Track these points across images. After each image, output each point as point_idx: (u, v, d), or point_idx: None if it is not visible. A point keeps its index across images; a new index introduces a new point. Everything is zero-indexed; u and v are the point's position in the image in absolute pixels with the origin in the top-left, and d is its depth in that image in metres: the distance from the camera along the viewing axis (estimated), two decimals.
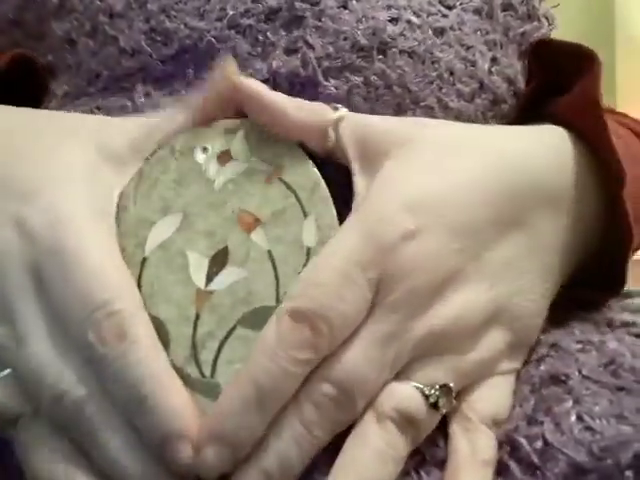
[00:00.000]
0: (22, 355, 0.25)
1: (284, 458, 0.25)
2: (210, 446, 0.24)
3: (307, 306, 0.25)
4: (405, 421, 0.26)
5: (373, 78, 0.33)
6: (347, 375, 0.25)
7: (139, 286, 0.28)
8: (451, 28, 0.35)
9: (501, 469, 0.26)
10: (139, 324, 0.26)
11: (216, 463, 0.25)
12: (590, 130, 0.34)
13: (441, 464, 0.27)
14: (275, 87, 0.32)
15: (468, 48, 0.36)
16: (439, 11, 0.36)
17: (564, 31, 0.43)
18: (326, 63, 0.33)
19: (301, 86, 0.32)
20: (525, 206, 0.30)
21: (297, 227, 0.29)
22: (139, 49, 0.35)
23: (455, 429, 0.27)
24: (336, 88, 0.32)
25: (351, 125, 0.30)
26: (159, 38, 0.34)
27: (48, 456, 0.26)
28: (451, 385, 0.27)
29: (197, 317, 0.28)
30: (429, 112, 0.34)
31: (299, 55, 0.33)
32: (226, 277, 0.28)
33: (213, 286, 0.28)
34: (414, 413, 0.26)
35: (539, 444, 0.26)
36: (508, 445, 0.27)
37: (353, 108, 0.32)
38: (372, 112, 0.32)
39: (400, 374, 0.27)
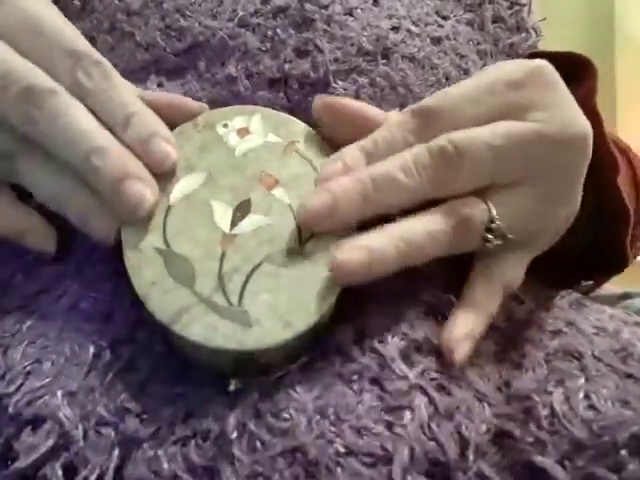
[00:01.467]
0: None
1: (386, 179, 0.29)
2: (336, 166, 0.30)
3: (426, 105, 0.30)
4: (460, 220, 0.30)
5: (378, 79, 0.35)
6: (467, 142, 0.29)
7: (163, 229, 0.29)
8: (447, 37, 0.38)
9: (517, 422, 0.27)
10: (116, 72, 0.30)
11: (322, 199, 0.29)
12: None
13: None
14: (286, 87, 0.34)
15: (462, 57, 0.38)
16: (435, 21, 0.38)
17: (564, 31, 0.45)
18: (334, 66, 0.35)
19: (311, 86, 0.35)
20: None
21: (315, 190, 0.31)
22: (154, 44, 0.37)
23: (478, 280, 0.32)
24: (345, 89, 0.35)
25: None
26: (173, 34, 0.36)
27: (50, 177, 0.29)
28: (510, 236, 0.31)
29: (223, 255, 0.29)
30: None
31: (309, 58, 0.35)
32: (250, 223, 0.30)
33: (237, 230, 0.30)
34: (474, 222, 0.30)
35: (546, 411, 0.27)
36: (525, 408, 0.28)
37: None
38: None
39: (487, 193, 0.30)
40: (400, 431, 0.26)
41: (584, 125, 0.31)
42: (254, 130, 0.33)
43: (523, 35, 0.42)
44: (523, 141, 0.30)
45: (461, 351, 0.29)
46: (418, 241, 0.29)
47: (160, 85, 0.36)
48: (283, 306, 0.28)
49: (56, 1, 0.39)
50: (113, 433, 0.26)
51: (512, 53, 0.42)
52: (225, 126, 0.32)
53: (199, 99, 0.34)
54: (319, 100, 0.32)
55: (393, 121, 0.31)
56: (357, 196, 0.29)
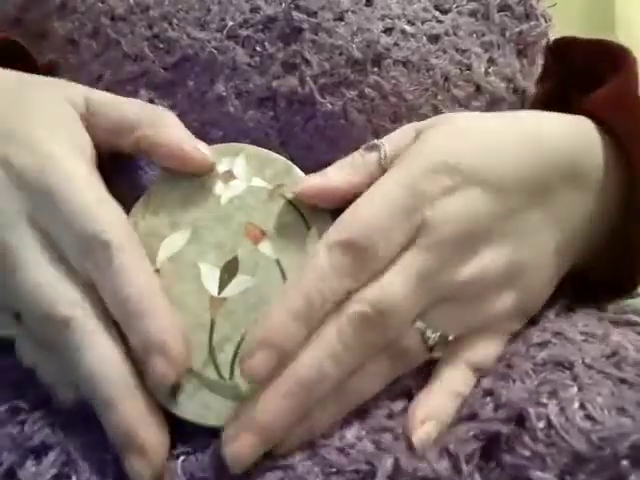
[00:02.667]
0: (18, 279, 0.28)
1: (319, 368, 0.27)
2: (260, 351, 0.27)
3: (356, 238, 0.28)
4: (398, 352, 0.29)
5: (367, 91, 0.34)
6: (383, 297, 0.28)
7: None
8: (446, 34, 0.36)
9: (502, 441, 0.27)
10: (126, 251, 0.28)
11: (264, 367, 0.27)
12: (623, 126, 0.34)
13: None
14: (275, 105, 0.33)
15: (463, 52, 0.36)
16: (434, 17, 0.36)
17: (564, 31, 0.43)
18: (322, 80, 0.34)
19: (299, 103, 0.34)
20: (552, 181, 0.32)
21: (301, 238, 0.31)
22: (142, 55, 0.35)
23: (442, 362, 0.30)
24: (332, 104, 0.33)
25: (395, 144, 0.31)
26: (161, 45, 0.35)
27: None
28: (450, 338, 0.30)
29: (212, 323, 0.29)
30: (424, 119, 0.34)
31: (297, 73, 0.34)
32: (238, 285, 0.30)
33: (226, 293, 0.30)
34: (410, 349, 0.29)
35: (542, 424, 0.26)
36: (517, 419, 0.27)
37: (349, 121, 0.34)
38: (368, 123, 0.34)
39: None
40: (385, 447, 0.27)
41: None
42: (238, 174, 0.32)
43: (533, 23, 0.39)
44: (437, 271, 0.29)
45: (421, 433, 0.28)
46: (366, 396, 0.29)
47: (151, 101, 0.35)
48: None
49: None
50: (117, 465, 0.27)
51: (521, 42, 0.39)
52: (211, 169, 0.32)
53: (190, 122, 0.33)
54: (302, 192, 0.31)
55: (325, 262, 0.28)
56: (289, 416, 0.27)
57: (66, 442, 0.27)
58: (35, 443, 0.27)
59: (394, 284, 0.28)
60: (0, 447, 0.27)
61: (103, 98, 0.32)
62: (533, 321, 0.34)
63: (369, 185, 0.30)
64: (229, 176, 0.32)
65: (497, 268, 0.30)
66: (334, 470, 0.26)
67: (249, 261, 0.30)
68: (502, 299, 0.31)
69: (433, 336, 0.29)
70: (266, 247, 0.30)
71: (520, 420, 0.27)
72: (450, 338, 0.30)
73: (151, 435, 0.26)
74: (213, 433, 0.28)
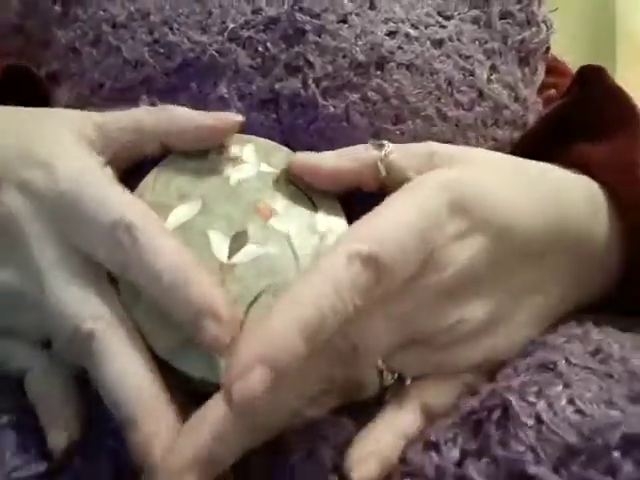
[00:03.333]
0: (46, 302, 0.28)
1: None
2: (258, 368, 0.24)
3: (380, 254, 0.26)
4: (351, 386, 0.29)
5: (370, 94, 0.34)
6: (357, 331, 0.27)
7: None
8: (449, 39, 0.36)
9: (491, 434, 0.27)
10: (150, 228, 0.28)
11: (259, 386, 0.24)
12: (625, 193, 0.34)
13: None
14: (277, 107, 0.33)
15: (467, 58, 0.36)
16: (437, 22, 0.36)
17: (564, 31, 0.43)
18: (325, 83, 0.33)
19: (302, 106, 0.33)
20: (555, 246, 0.32)
21: (309, 217, 0.31)
22: (142, 61, 0.35)
23: (392, 400, 0.29)
24: (334, 107, 0.33)
25: (403, 154, 0.31)
26: (162, 50, 0.35)
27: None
28: (408, 382, 0.29)
29: (222, 285, 0.29)
30: (428, 122, 0.35)
31: (300, 75, 0.33)
32: (248, 253, 0.30)
33: (235, 260, 0.29)
34: (363, 385, 0.29)
35: (531, 421, 0.26)
36: (499, 409, 0.27)
37: (351, 124, 0.33)
38: (370, 126, 0.34)
39: None
40: None
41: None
42: (247, 159, 0.32)
43: (534, 30, 0.40)
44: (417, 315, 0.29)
45: (363, 470, 0.27)
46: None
47: (153, 105, 0.35)
48: None
49: (35, 6, 0.38)
50: None
51: (523, 49, 0.39)
52: (219, 154, 0.32)
53: None
54: (292, 164, 0.31)
55: (343, 279, 0.26)
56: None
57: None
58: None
59: (377, 320, 0.28)
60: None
61: (111, 118, 0.33)
62: None
63: (359, 177, 0.31)
64: (238, 161, 0.32)
65: (477, 319, 0.30)
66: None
67: (259, 234, 0.30)
68: (473, 351, 0.30)
69: (389, 378, 0.29)
70: (276, 223, 0.31)
71: (505, 409, 0.27)
72: (407, 382, 0.29)
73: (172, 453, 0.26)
74: None
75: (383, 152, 0.31)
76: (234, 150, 0.32)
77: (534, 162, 0.34)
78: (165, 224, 0.30)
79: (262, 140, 0.33)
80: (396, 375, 0.29)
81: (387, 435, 0.28)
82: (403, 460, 0.27)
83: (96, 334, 0.27)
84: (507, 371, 0.30)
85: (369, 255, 0.26)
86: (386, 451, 0.27)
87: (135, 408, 0.26)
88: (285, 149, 0.33)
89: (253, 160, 0.32)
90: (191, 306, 0.26)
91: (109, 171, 0.31)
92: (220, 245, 0.30)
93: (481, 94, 0.36)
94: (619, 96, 0.39)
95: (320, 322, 0.25)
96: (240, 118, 0.32)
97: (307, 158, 0.32)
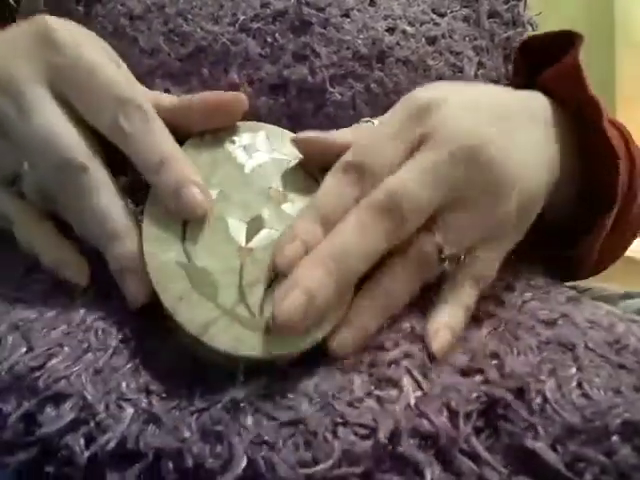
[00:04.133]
0: (34, 125, 0.30)
1: (344, 246, 0.29)
2: (289, 244, 0.30)
3: (352, 159, 0.31)
4: (419, 257, 0.31)
5: (373, 86, 0.36)
6: (399, 187, 0.30)
7: (183, 243, 0.31)
8: (442, 36, 0.39)
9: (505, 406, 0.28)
10: (157, 118, 0.31)
11: (295, 254, 0.30)
12: (567, 81, 0.38)
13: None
14: (286, 92, 0.36)
15: (457, 54, 0.39)
16: (431, 19, 0.39)
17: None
18: (331, 71, 0.36)
19: (308, 92, 0.36)
20: (513, 110, 0.35)
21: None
22: (158, 48, 0.38)
23: (447, 280, 0.33)
24: (341, 94, 0.36)
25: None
26: (176, 39, 0.38)
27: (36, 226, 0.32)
28: (462, 257, 0.32)
29: (241, 267, 0.30)
30: None
31: (307, 63, 0.36)
32: (263, 238, 0.31)
33: (253, 244, 0.31)
34: (428, 257, 0.31)
35: (539, 399, 0.27)
36: (513, 384, 0.28)
37: (357, 112, 0.36)
38: (373, 115, 0.36)
39: (431, 224, 0.31)
40: (388, 406, 0.28)
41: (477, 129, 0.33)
42: (260, 147, 0.34)
43: (519, 29, 0.43)
44: (446, 166, 0.31)
45: (439, 340, 0.30)
46: (399, 297, 0.31)
47: (167, 91, 0.37)
48: None
49: (59, 8, 0.40)
50: (133, 409, 0.28)
51: (508, 47, 0.43)
52: (232, 142, 0.34)
53: None
54: (303, 143, 0.33)
55: (331, 182, 0.31)
56: (328, 280, 0.29)
57: (82, 390, 0.28)
58: (52, 393, 0.28)
59: (409, 176, 0.30)
60: (18, 396, 0.28)
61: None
62: (542, 299, 0.35)
63: None
64: (252, 148, 0.34)
65: (496, 171, 0.32)
66: (342, 421, 0.27)
67: (273, 218, 0.32)
68: (504, 203, 0.33)
69: (447, 253, 0.31)
70: (288, 207, 0.32)
71: (520, 391, 0.28)
72: (461, 257, 0.32)
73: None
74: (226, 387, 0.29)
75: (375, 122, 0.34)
76: (246, 138, 0.34)
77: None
78: None
79: (273, 127, 0.35)
80: (453, 250, 0.31)
81: (452, 310, 0.32)
82: (421, 414, 0.28)
83: (89, 168, 0.30)
84: (530, 341, 0.31)
85: (343, 163, 0.31)
86: (454, 324, 0.31)
87: (122, 224, 0.30)
88: (294, 135, 0.34)
89: (265, 147, 0.34)
90: (174, 180, 0.30)
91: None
92: (238, 230, 0.31)
93: None
94: (557, 35, 0.42)
95: (323, 211, 0.30)
96: (244, 98, 0.33)
97: (314, 134, 0.33)
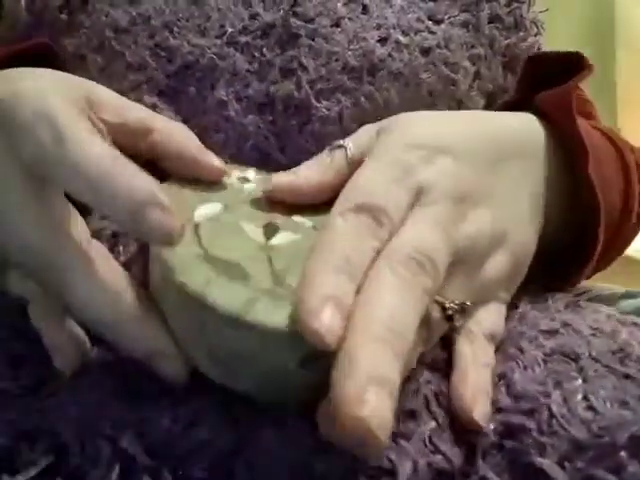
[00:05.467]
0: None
1: (392, 316, 0.25)
2: (325, 306, 0.24)
3: (365, 201, 0.28)
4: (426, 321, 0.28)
5: (362, 100, 0.35)
6: (422, 243, 0.27)
7: (198, 241, 0.28)
8: (437, 46, 0.37)
9: (512, 426, 0.27)
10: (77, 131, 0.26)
11: (335, 321, 0.24)
12: (557, 112, 0.36)
13: (441, 369, 0.30)
14: (273, 109, 0.35)
15: (452, 65, 0.37)
16: (427, 28, 0.37)
17: (564, 31, 0.44)
18: (319, 85, 0.35)
19: (295, 108, 0.35)
20: (504, 151, 0.33)
21: (327, 218, 0.30)
22: (144, 64, 0.37)
23: (460, 339, 0.31)
24: (327, 109, 0.35)
25: (357, 144, 0.32)
26: (163, 54, 0.36)
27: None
28: (468, 304, 0.30)
29: (269, 258, 0.28)
30: None
31: (294, 78, 0.35)
32: (283, 237, 0.29)
33: (274, 242, 0.29)
34: (433, 319, 0.29)
35: (545, 414, 0.27)
36: (526, 406, 0.28)
37: (344, 127, 0.35)
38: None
39: None
40: (404, 444, 0.27)
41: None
42: (253, 179, 0.34)
43: (521, 34, 0.41)
44: (450, 223, 0.29)
45: (479, 409, 0.28)
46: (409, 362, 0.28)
47: (154, 106, 0.36)
48: None
49: (42, 16, 0.39)
50: (111, 448, 0.26)
51: (508, 54, 0.41)
52: (226, 176, 0.33)
53: (192, 127, 0.33)
54: (273, 189, 0.31)
55: (343, 224, 0.27)
56: (391, 358, 0.24)
57: (57, 427, 0.27)
58: (26, 428, 0.27)
59: (424, 231, 0.28)
60: None
61: (111, 97, 0.32)
62: (541, 309, 0.35)
63: (338, 183, 0.31)
64: (245, 180, 0.33)
65: (487, 229, 0.31)
66: (357, 466, 0.26)
67: (288, 225, 0.30)
68: (496, 261, 0.32)
69: (451, 305, 0.29)
70: (298, 218, 0.31)
71: (531, 411, 0.27)
72: (468, 303, 0.30)
73: None
74: None
75: (349, 152, 0.32)
76: (239, 173, 0.33)
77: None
78: (194, 214, 0.29)
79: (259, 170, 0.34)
80: (455, 303, 0.29)
81: (476, 372, 0.29)
82: (436, 449, 0.27)
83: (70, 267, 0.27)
84: (536, 353, 0.30)
85: (355, 206, 0.28)
86: (484, 386, 0.29)
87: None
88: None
89: (258, 179, 0.33)
90: (131, 197, 0.25)
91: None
92: (255, 232, 0.29)
93: (460, 104, 0.38)
94: (567, 58, 0.40)
95: (352, 269, 0.26)
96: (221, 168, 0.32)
97: (285, 181, 0.32)
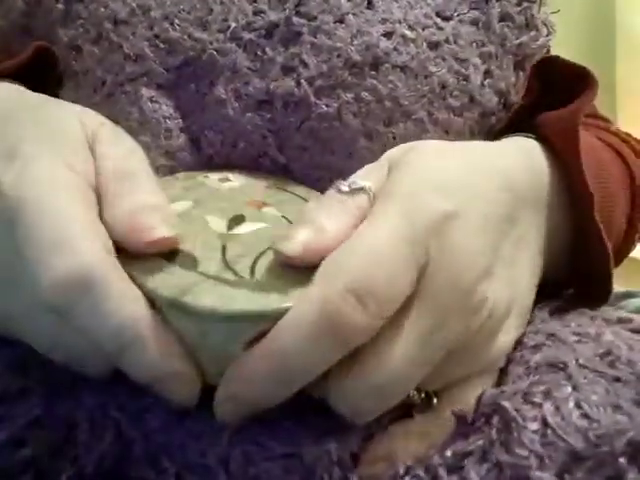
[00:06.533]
0: None
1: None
2: (230, 402, 0.26)
3: (362, 285, 0.24)
4: None
5: (364, 94, 0.34)
6: (389, 377, 0.25)
7: None
8: (446, 41, 0.36)
9: (494, 439, 0.27)
10: (106, 275, 0.25)
11: (226, 416, 0.26)
12: (564, 152, 0.35)
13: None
14: (272, 107, 0.34)
15: (462, 61, 0.36)
16: (435, 24, 0.36)
17: (564, 32, 0.44)
18: (319, 82, 0.34)
19: (295, 105, 0.34)
20: (518, 203, 0.32)
21: (301, 205, 0.31)
22: (143, 55, 0.36)
23: (422, 417, 0.29)
24: (327, 106, 0.34)
25: (375, 187, 0.29)
26: (163, 46, 0.35)
27: None
28: (434, 402, 0.29)
29: (224, 248, 0.28)
30: (419, 125, 0.35)
31: (294, 75, 0.34)
32: (246, 227, 0.29)
33: (235, 232, 0.29)
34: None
35: (536, 425, 0.26)
36: (500, 418, 0.27)
37: (343, 124, 0.34)
38: (362, 127, 0.34)
39: None
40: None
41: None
42: (234, 178, 0.33)
43: (532, 34, 0.39)
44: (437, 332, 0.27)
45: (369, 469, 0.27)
46: None
47: (152, 99, 0.35)
48: (299, 274, 0.26)
49: (38, 5, 0.39)
50: (114, 429, 0.28)
51: (520, 53, 0.39)
52: (205, 177, 0.33)
53: (190, 124, 0.34)
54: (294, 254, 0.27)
55: (341, 322, 0.24)
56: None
57: (73, 410, 0.28)
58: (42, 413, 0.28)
59: (396, 363, 0.25)
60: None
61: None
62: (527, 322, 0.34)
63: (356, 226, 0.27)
64: (225, 179, 0.33)
65: (501, 303, 0.29)
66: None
67: (255, 217, 0.30)
68: (504, 336, 0.30)
69: (416, 397, 0.28)
70: (270, 210, 0.31)
71: (508, 423, 0.27)
72: (434, 402, 0.29)
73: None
74: None
75: (371, 195, 0.28)
76: (219, 174, 0.33)
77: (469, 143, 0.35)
78: None
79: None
80: (422, 395, 0.29)
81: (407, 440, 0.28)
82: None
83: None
84: (518, 370, 0.30)
85: (348, 289, 0.24)
86: (402, 455, 0.28)
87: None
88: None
89: (240, 178, 0.33)
90: (148, 373, 0.25)
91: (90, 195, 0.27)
92: (217, 223, 0.29)
93: (472, 99, 0.36)
94: (578, 70, 0.40)
95: (287, 372, 0.25)
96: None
97: (313, 242, 0.27)
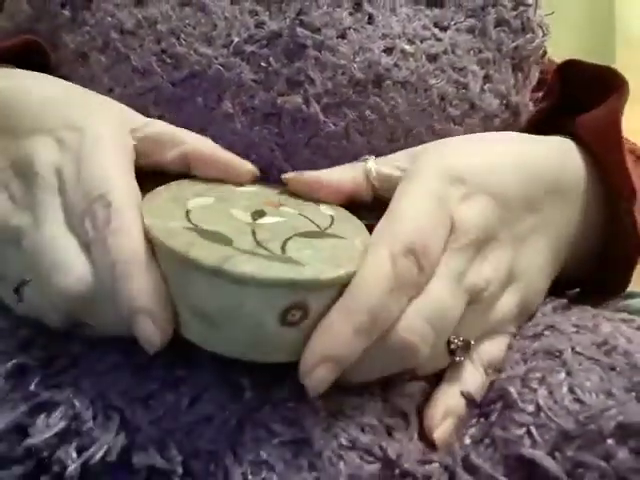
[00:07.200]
0: (38, 236, 0.30)
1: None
2: (321, 365, 0.28)
3: (415, 242, 0.29)
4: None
5: (367, 113, 0.35)
6: (435, 311, 0.29)
7: (187, 219, 0.30)
8: (444, 52, 0.37)
9: (494, 421, 0.29)
10: (125, 216, 0.29)
11: (325, 382, 0.28)
12: (604, 150, 0.38)
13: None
14: (279, 121, 0.35)
15: (460, 70, 0.37)
16: (433, 35, 0.37)
17: (564, 32, 0.44)
18: (325, 99, 0.35)
19: (303, 121, 0.35)
20: (539, 195, 0.35)
21: (315, 208, 0.34)
22: (151, 70, 0.36)
23: (458, 364, 0.32)
24: (334, 125, 0.35)
25: (386, 162, 0.34)
26: (169, 61, 0.36)
27: None
28: (472, 342, 0.32)
29: (253, 232, 0.30)
30: (418, 139, 0.36)
31: (301, 91, 0.35)
32: (269, 219, 0.32)
33: (259, 222, 0.31)
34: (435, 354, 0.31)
35: (531, 408, 0.28)
36: (501, 401, 0.30)
37: (350, 142, 0.35)
38: (367, 144, 0.35)
39: None
40: (396, 435, 0.29)
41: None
42: (248, 186, 0.35)
43: (528, 36, 0.40)
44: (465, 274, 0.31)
45: (441, 430, 0.30)
46: None
47: (161, 118, 0.36)
48: (328, 255, 0.29)
49: (44, 10, 0.39)
50: (119, 418, 0.28)
51: (517, 56, 0.40)
52: (220, 182, 0.35)
53: None
54: (292, 180, 0.34)
55: (391, 278, 0.29)
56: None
57: (72, 398, 0.29)
58: (43, 399, 0.29)
59: (442, 292, 0.30)
60: (10, 403, 0.28)
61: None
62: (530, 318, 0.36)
63: (357, 187, 0.34)
64: (240, 185, 0.35)
65: (503, 270, 0.33)
66: (350, 445, 0.28)
67: (275, 213, 0.32)
68: (507, 300, 0.33)
69: (456, 342, 0.31)
70: (287, 209, 0.33)
71: (509, 405, 0.29)
72: (472, 342, 0.32)
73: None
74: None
75: (370, 166, 0.34)
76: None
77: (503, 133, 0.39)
78: (187, 203, 0.32)
79: None
80: (461, 340, 0.31)
81: (455, 395, 0.31)
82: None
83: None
84: (515, 356, 0.32)
85: (406, 247, 0.29)
86: (458, 410, 0.31)
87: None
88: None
89: (253, 186, 0.35)
90: (130, 301, 0.28)
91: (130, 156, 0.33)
92: (242, 215, 0.31)
93: (473, 106, 0.38)
94: (604, 72, 0.42)
95: (372, 324, 0.28)
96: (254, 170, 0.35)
97: (305, 174, 0.34)
